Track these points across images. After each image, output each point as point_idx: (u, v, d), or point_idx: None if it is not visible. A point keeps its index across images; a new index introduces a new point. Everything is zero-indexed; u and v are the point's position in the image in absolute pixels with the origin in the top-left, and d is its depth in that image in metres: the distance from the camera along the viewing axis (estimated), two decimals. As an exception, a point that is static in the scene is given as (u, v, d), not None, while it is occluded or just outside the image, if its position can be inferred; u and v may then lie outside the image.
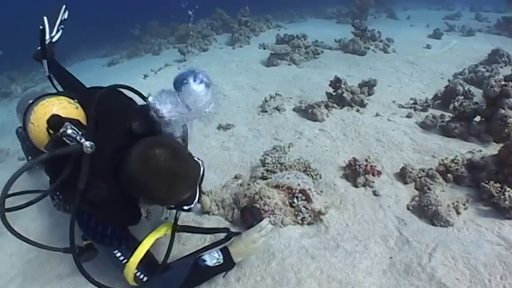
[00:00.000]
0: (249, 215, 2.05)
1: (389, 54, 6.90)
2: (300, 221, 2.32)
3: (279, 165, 2.78)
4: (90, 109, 1.64)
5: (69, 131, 1.47)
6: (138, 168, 1.45)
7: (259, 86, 5.37)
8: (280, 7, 12.93)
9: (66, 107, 1.68)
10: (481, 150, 2.97)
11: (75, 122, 1.55)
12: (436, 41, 7.79)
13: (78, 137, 1.47)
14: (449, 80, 4.50)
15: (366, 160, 2.80)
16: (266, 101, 4.42)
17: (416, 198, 2.52)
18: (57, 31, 2.42)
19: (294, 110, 4.30)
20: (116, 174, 1.55)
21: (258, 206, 2.16)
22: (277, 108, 4.28)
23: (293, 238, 2.24)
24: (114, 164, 1.55)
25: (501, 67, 5.40)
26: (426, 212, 2.35)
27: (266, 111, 4.27)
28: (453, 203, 2.38)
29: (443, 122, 3.64)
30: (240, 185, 2.71)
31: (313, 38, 7.59)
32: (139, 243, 1.72)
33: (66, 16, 2.46)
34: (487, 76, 4.81)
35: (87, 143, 1.46)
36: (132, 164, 1.46)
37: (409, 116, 4.01)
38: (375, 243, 2.17)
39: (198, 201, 1.74)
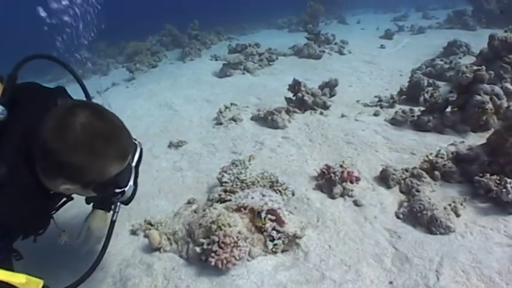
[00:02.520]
0: None
1: (345, 55, 6.79)
2: (272, 250, 1.84)
3: (239, 182, 2.29)
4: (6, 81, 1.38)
5: None
6: (52, 129, 1.14)
7: (213, 97, 4.97)
8: (231, 20, 12.68)
9: None
10: (463, 142, 2.67)
11: None
12: (389, 41, 7.84)
13: None
14: (412, 75, 4.29)
15: (341, 166, 2.40)
16: (221, 112, 3.99)
17: (405, 204, 2.14)
18: None
19: (252, 119, 3.91)
20: (28, 157, 1.25)
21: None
22: (233, 119, 3.87)
23: (266, 273, 1.77)
24: (25, 144, 1.24)
25: (460, 58, 5.33)
26: (421, 218, 1.97)
27: (221, 123, 3.85)
28: (450, 204, 2.02)
29: (413, 116, 3.37)
30: (194, 211, 2.21)
31: (267, 47, 7.30)
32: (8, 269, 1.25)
33: None
34: (447, 68, 4.70)
35: None
36: (46, 125, 1.15)
37: (376, 114, 3.74)
38: (367, 266, 1.77)
39: (134, 184, 1.40)
